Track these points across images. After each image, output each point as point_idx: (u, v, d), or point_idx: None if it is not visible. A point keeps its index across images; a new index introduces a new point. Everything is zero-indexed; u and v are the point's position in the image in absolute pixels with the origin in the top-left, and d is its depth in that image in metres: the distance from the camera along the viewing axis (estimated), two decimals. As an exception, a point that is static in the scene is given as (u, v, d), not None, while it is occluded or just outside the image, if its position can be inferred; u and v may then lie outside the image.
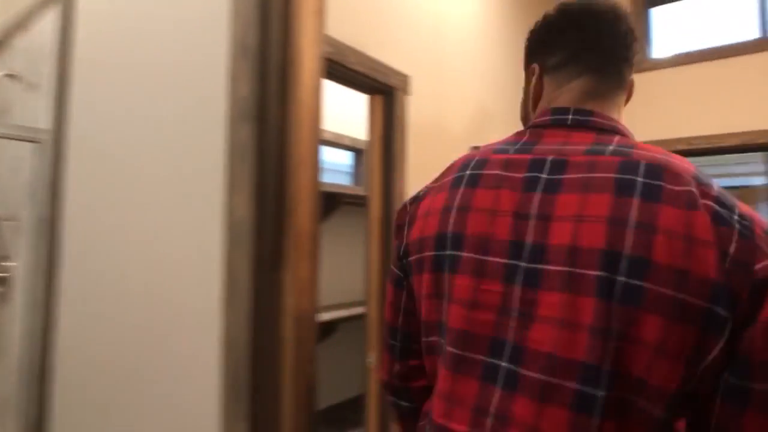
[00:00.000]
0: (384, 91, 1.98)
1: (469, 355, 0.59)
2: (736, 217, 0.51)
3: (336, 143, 3.29)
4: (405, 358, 0.75)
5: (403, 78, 2.04)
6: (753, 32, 3.23)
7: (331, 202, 3.09)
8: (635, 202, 0.52)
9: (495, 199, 0.61)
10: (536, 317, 0.54)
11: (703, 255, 0.49)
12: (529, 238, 0.57)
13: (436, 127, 2.29)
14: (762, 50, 3.14)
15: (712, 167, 5.17)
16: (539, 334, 0.54)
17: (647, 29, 3.61)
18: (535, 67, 0.72)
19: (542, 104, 0.71)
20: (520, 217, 0.58)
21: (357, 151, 3.56)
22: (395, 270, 0.74)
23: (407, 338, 0.74)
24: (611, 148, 0.59)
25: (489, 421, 0.55)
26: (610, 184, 0.54)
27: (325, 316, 2.99)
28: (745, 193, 4.82)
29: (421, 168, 2.17)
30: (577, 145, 0.61)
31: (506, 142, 0.68)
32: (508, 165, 0.63)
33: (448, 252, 0.63)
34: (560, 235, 0.54)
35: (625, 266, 0.50)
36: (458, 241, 0.62)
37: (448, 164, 0.75)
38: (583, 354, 0.51)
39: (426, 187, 0.74)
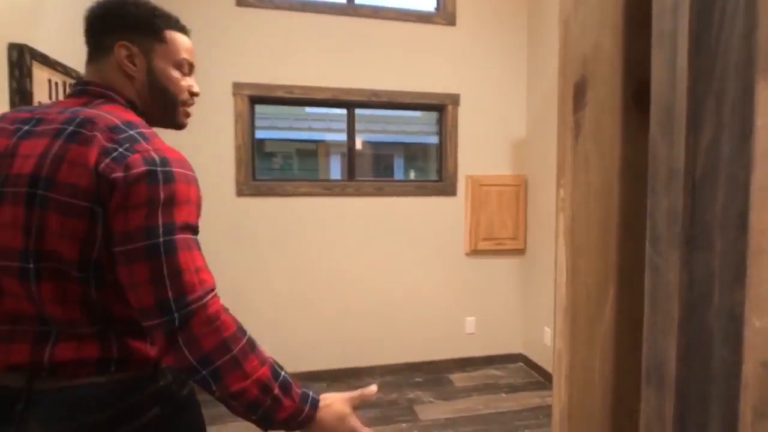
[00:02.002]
0: None
1: None
2: (120, 149, 0.81)
3: None
4: None
5: None
6: (343, -5, 3.44)
7: None
8: (59, 142, 0.81)
9: None
10: None
11: (87, 172, 0.79)
12: (3, 171, 0.81)
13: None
14: (350, 15, 3.38)
15: (300, 121, 5.58)
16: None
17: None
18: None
19: None
20: (1, 156, 0.82)
21: None
22: None
23: None
24: (75, 108, 0.87)
25: None
26: (52, 132, 0.83)
27: None
28: (322, 146, 5.43)
29: None
30: (62, 106, 0.88)
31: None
32: (10, 120, 0.87)
33: None
34: (18, 167, 0.81)
35: (43, 184, 0.79)
36: None
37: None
38: (18, 243, 0.80)
39: None
